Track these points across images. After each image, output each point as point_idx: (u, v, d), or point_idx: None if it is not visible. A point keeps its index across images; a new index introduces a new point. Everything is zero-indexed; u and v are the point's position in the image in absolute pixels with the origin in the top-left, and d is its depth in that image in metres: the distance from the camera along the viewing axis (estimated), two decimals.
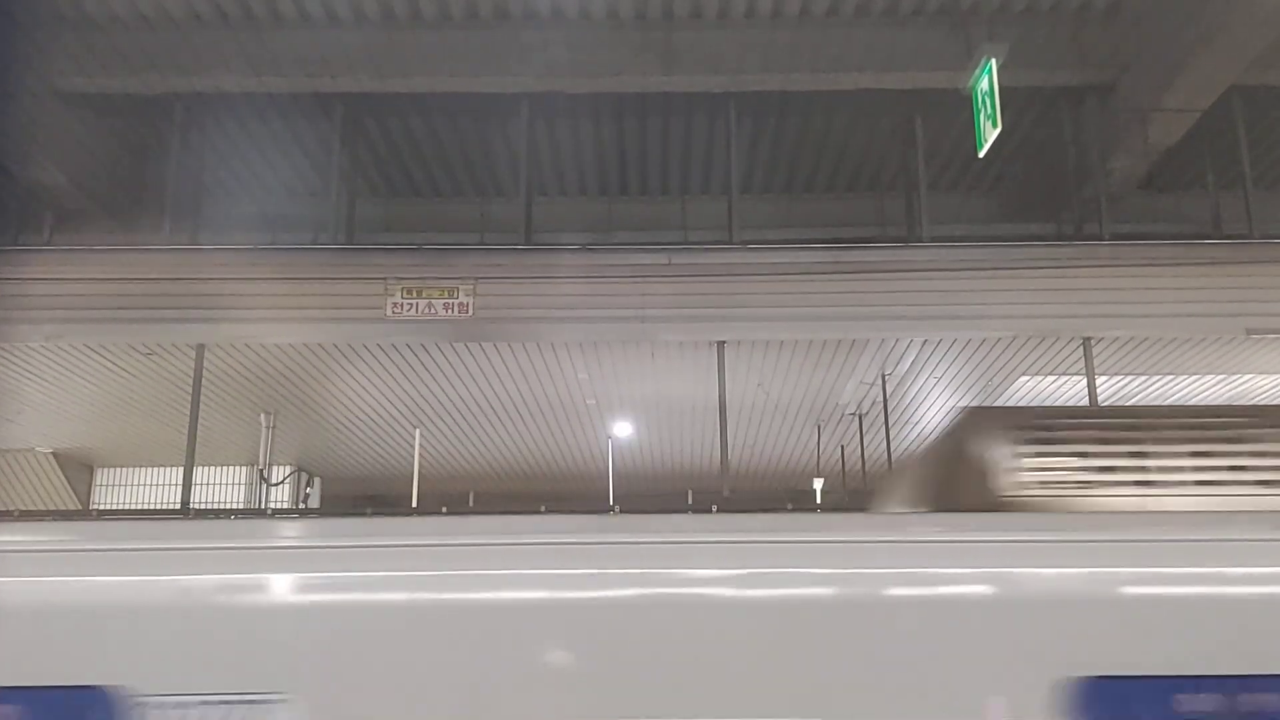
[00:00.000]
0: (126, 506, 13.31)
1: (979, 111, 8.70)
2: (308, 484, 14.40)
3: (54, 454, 13.02)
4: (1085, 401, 10.25)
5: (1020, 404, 12.03)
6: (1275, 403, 11.79)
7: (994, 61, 8.43)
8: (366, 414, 12.34)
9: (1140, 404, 11.40)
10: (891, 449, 12.49)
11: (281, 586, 2.54)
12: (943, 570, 2.62)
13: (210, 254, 10.07)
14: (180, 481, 10.20)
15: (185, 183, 11.35)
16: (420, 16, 9.77)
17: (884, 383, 11.34)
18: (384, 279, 9.69)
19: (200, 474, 11.67)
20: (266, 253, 10.18)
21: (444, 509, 11.06)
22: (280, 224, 11.74)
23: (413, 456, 12.74)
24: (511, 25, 9.87)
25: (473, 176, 12.00)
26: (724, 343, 9.91)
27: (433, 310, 9.62)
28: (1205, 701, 2.35)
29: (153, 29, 10.13)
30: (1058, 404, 11.97)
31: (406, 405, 12.00)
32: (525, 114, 10.47)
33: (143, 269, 9.62)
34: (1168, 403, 11.92)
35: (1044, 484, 3.04)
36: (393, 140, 11.27)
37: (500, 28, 9.89)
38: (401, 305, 9.62)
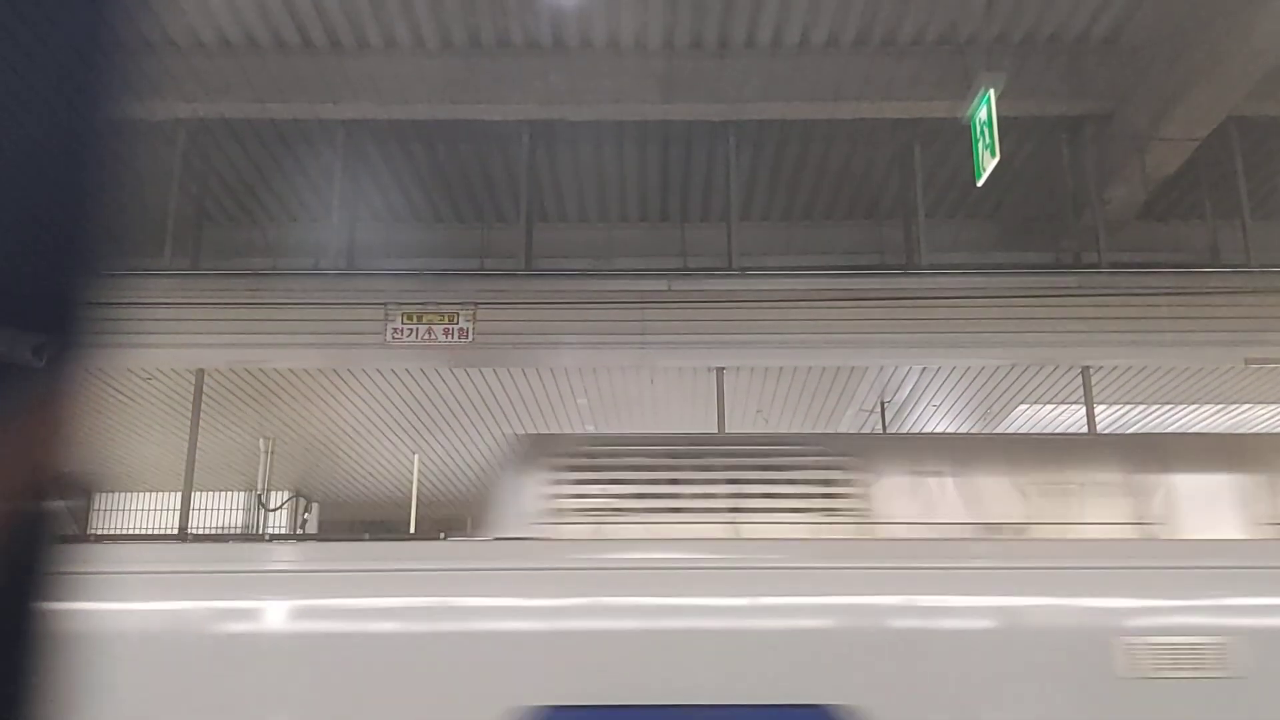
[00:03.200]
0: (124, 531, 13.27)
1: (977, 141, 8.74)
2: (305, 509, 14.37)
3: None
4: (1085, 430, 10.24)
5: (1012, 431, 12.02)
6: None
7: (992, 91, 8.47)
8: (365, 439, 12.33)
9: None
10: None
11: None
12: None
13: (211, 278, 10.09)
14: (177, 506, 10.18)
15: (186, 207, 11.38)
16: (423, 44, 9.83)
17: (883, 410, 11.35)
18: (384, 304, 9.70)
19: (197, 499, 11.64)
20: (267, 278, 10.19)
21: (441, 534, 11.03)
22: (281, 249, 11.77)
23: (411, 482, 12.73)
24: (513, 53, 9.93)
25: (473, 202, 12.04)
26: (723, 369, 9.91)
27: (432, 335, 9.64)
28: None
29: (155, 53, 10.18)
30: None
31: (405, 430, 11.99)
32: (526, 141, 10.52)
33: (143, 293, 9.63)
34: (1162, 430, 11.93)
35: (581, 511, 3.04)
36: (394, 166, 11.31)
37: (502, 56, 9.95)
38: (401, 330, 9.63)
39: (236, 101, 10.10)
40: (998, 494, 3.13)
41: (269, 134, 10.73)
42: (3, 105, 0.83)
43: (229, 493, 13.57)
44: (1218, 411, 11.28)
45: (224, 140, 10.77)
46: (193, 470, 9.91)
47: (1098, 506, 3.18)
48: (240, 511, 13.59)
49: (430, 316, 9.64)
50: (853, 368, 10.21)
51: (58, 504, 0.92)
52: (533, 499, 3.09)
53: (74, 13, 0.87)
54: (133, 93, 0.96)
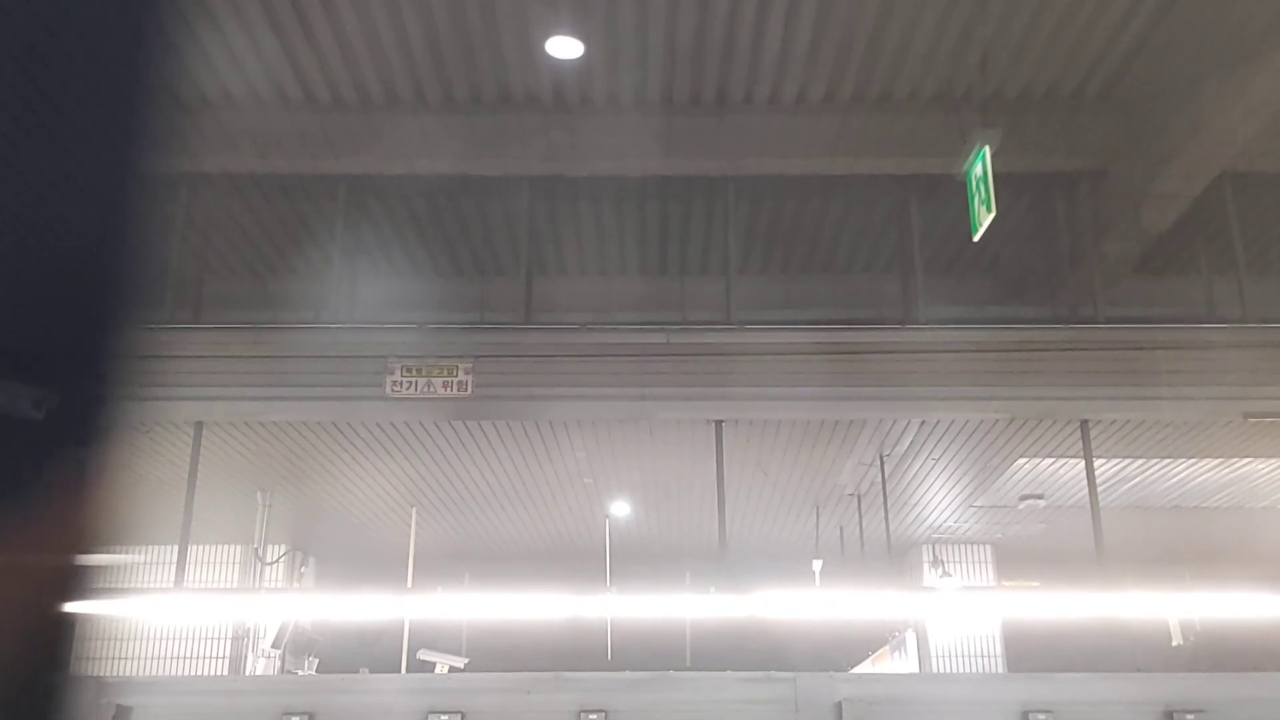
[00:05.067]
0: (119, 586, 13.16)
1: (973, 196, 8.80)
2: (303, 563, 14.26)
3: None
4: (1084, 483, 10.23)
5: (1018, 486, 11.99)
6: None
7: (988, 148, 8.54)
8: (363, 492, 12.28)
9: None
10: (890, 530, 12.42)
11: None
12: None
13: (211, 331, 10.11)
14: (173, 560, 10.10)
15: (187, 260, 11.45)
16: (425, 100, 9.94)
17: (882, 463, 11.33)
18: (384, 357, 9.72)
19: (192, 552, 11.56)
20: (267, 331, 10.22)
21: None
22: (281, 302, 11.81)
23: (409, 535, 12.66)
24: (514, 109, 10.04)
25: (473, 256, 12.10)
26: (722, 421, 9.91)
27: (432, 389, 9.64)
28: None
29: (161, 108, 10.27)
30: (1055, 485, 11.94)
31: (403, 484, 11.95)
32: (526, 195, 10.61)
33: (143, 346, 9.63)
34: (1166, 486, 11.89)
35: None
36: (395, 220, 11.38)
37: (503, 112, 10.06)
38: (401, 384, 9.64)
39: (239, 155, 10.20)
40: None
41: (271, 188, 10.81)
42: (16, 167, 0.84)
43: (224, 546, 13.48)
44: (1218, 465, 11.27)
45: (226, 194, 10.85)
46: (190, 523, 9.86)
47: None
48: (236, 565, 13.49)
49: (430, 370, 9.65)
50: (851, 421, 10.20)
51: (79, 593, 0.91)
52: None
53: (89, 69, 0.88)
54: (149, 148, 0.97)
